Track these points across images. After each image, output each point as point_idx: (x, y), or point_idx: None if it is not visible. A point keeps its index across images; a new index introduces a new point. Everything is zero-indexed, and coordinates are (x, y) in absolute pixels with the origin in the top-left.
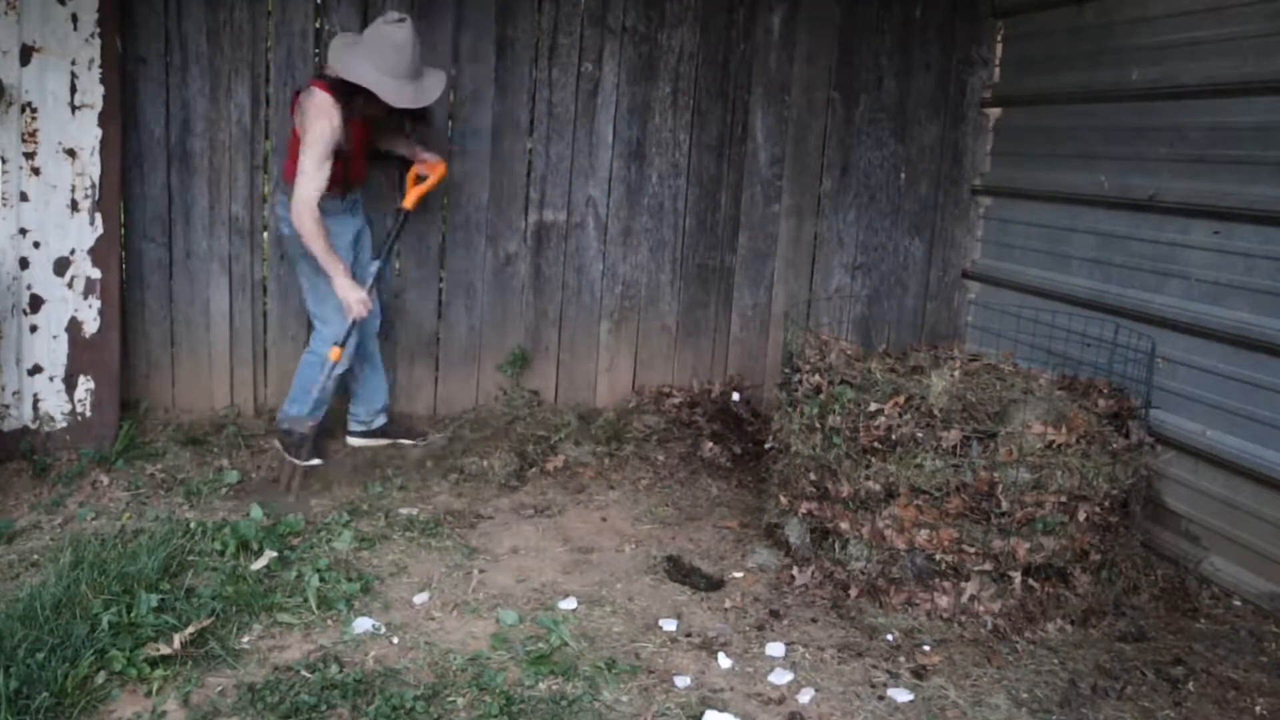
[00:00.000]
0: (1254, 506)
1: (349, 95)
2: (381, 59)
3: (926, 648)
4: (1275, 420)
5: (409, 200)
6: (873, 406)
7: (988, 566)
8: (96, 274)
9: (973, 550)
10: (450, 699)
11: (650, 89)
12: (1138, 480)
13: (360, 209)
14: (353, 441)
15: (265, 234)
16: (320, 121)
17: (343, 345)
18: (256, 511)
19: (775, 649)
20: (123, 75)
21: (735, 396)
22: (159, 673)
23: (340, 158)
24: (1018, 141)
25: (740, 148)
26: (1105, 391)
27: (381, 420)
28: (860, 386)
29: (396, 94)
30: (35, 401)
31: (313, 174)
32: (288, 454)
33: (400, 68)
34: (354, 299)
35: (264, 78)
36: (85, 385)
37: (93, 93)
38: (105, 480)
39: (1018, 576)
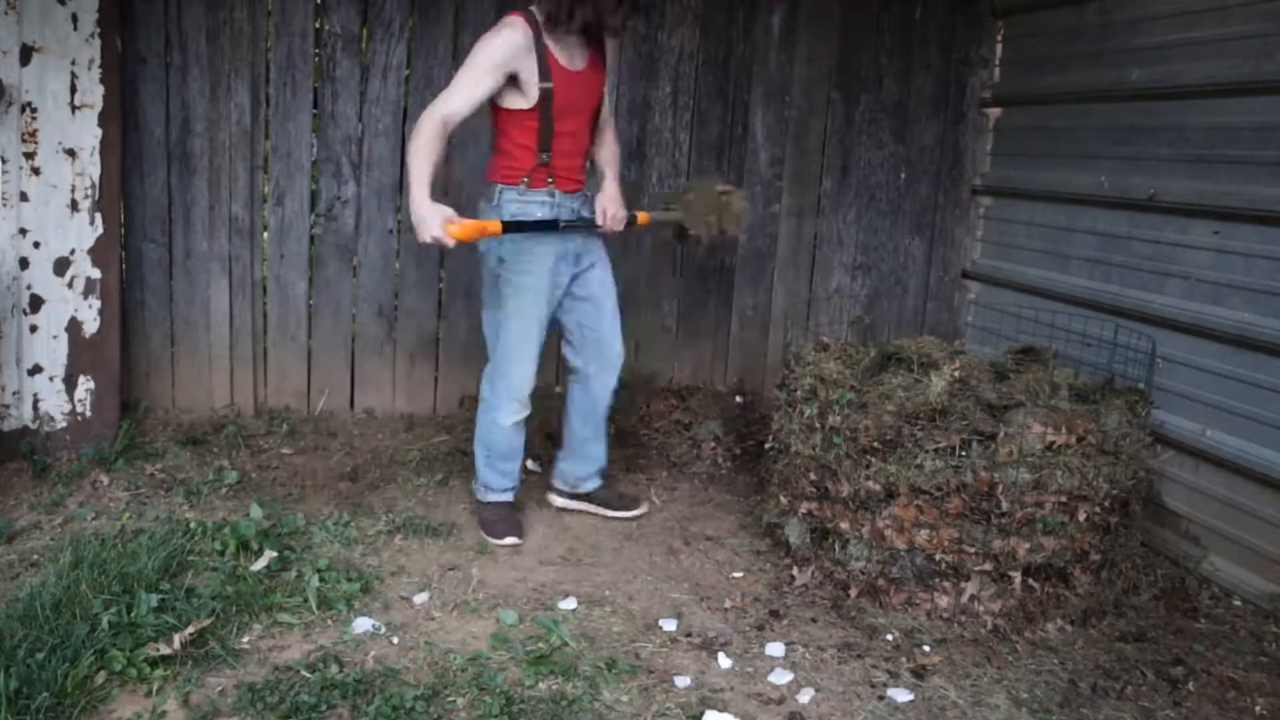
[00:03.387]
0: (1254, 506)
1: (557, 11)
2: None
3: (926, 648)
4: (1275, 420)
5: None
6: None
7: (988, 566)
8: (96, 274)
9: (973, 550)
10: (450, 699)
11: (650, 89)
12: (1138, 480)
13: (586, 229)
14: (554, 500)
15: (265, 234)
16: (492, 36)
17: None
18: (256, 511)
19: (775, 649)
20: (123, 75)
21: (737, 399)
22: (159, 673)
23: (540, 112)
24: (1018, 141)
25: (740, 148)
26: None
27: (593, 485)
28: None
29: None
30: (35, 401)
31: (457, 87)
32: (483, 532)
33: None
34: (427, 217)
35: (264, 78)
36: (85, 385)
37: (93, 93)
38: (105, 480)
39: (1018, 576)
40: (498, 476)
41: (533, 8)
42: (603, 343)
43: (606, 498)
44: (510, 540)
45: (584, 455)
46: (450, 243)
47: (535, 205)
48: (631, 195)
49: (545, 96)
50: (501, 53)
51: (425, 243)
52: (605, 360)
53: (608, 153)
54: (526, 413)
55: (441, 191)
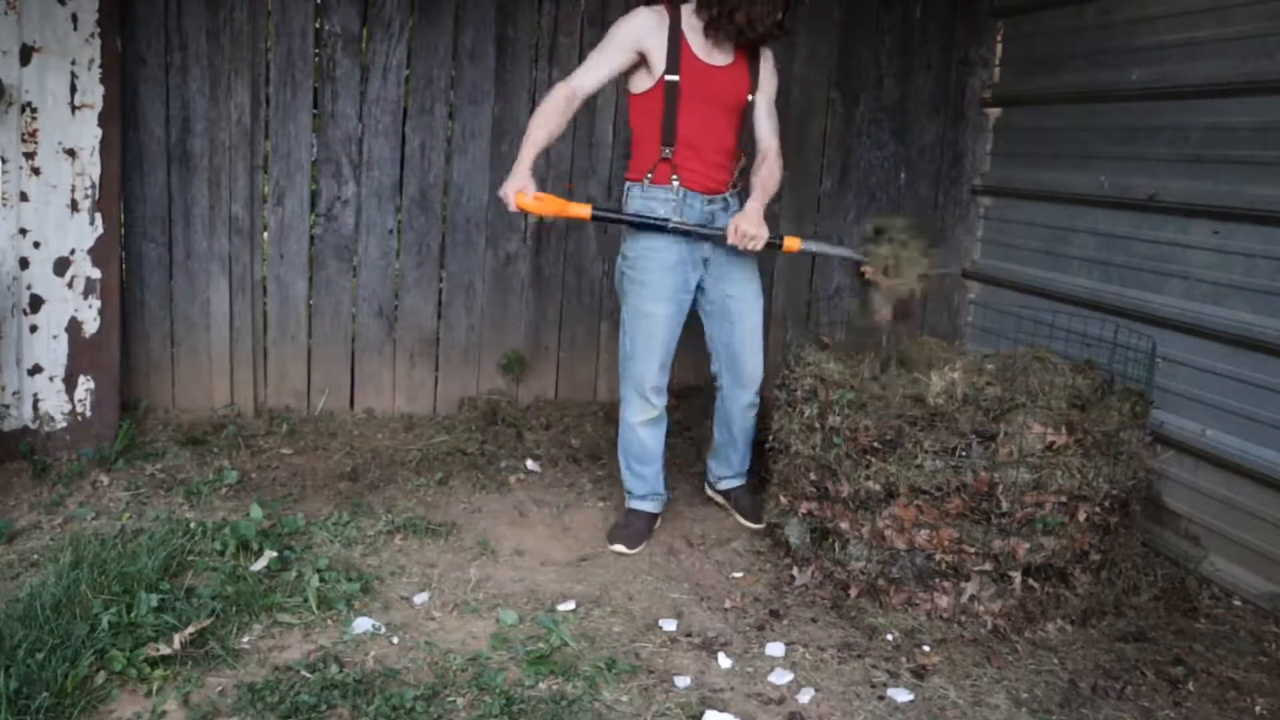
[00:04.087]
0: (1254, 506)
1: (713, 12)
2: None
3: (926, 648)
4: (1275, 420)
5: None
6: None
7: (988, 566)
8: (96, 274)
9: (973, 550)
10: (450, 699)
11: None
12: (1138, 481)
13: (719, 226)
14: (708, 492)
15: (265, 234)
16: (626, 16)
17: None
18: (256, 511)
19: (775, 649)
20: (123, 75)
21: None
22: (159, 673)
23: (664, 101)
24: (1018, 141)
25: None
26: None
27: (732, 484)
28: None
29: None
30: (35, 401)
31: (587, 63)
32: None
33: None
34: (510, 179)
35: (264, 78)
36: (85, 385)
37: (93, 93)
38: (105, 480)
39: (1018, 576)
40: (635, 480)
41: None
42: (735, 359)
43: (740, 502)
44: (618, 547)
45: (723, 458)
46: (513, 205)
47: (658, 202)
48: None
49: (671, 85)
50: (630, 32)
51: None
52: (736, 376)
53: (764, 173)
54: (655, 413)
55: (441, 191)
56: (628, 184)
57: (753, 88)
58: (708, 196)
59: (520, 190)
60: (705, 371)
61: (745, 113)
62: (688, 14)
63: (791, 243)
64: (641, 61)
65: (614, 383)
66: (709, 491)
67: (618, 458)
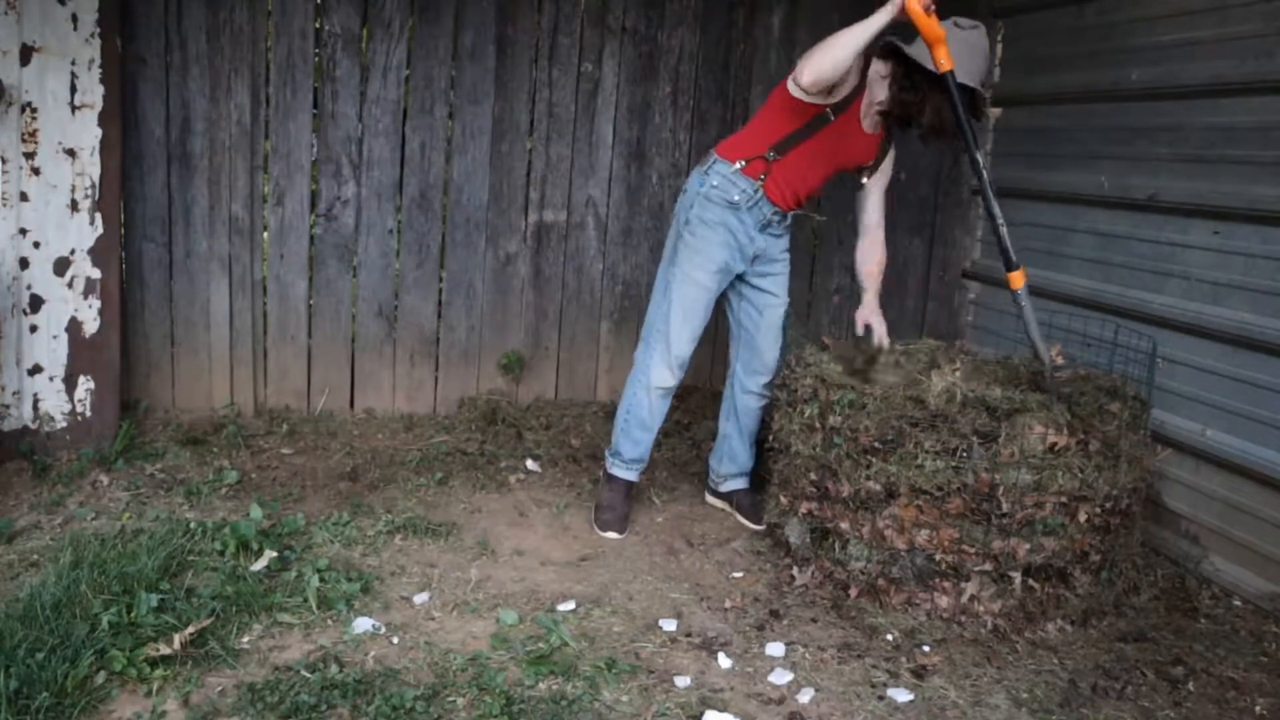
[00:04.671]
0: (1254, 506)
1: (900, 66)
2: (962, 59)
3: (926, 648)
4: (1275, 420)
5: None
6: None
7: (988, 567)
8: (96, 274)
9: (973, 550)
10: (450, 699)
11: (650, 89)
12: (1138, 481)
13: (787, 238)
14: (707, 497)
15: (265, 234)
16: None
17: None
18: (256, 511)
19: (775, 649)
20: (123, 75)
21: None
22: (159, 673)
23: (806, 120)
24: (1018, 141)
25: None
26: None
27: (736, 485)
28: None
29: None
30: (35, 401)
31: (829, 46)
32: (594, 513)
33: (975, 74)
34: None
35: (264, 78)
36: (85, 385)
37: (93, 93)
38: (105, 480)
39: (1018, 577)
40: (630, 444)
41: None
42: (755, 346)
43: (742, 502)
44: (611, 535)
45: (726, 452)
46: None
47: (735, 189)
48: (634, 195)
49: (820, 119)
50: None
51: None
52: (753, 363)
53: (873, 264)
54: (675, 384)
55: (441, 191)
56: (716, 157)
57: (874, 165)
58: (774, 207)
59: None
60: (708, 372)
61: (850, 173)
62: (879, 64)
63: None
64: (837, 83)
65: (615, 383)
66: (710, 499)
67: (617, 415)
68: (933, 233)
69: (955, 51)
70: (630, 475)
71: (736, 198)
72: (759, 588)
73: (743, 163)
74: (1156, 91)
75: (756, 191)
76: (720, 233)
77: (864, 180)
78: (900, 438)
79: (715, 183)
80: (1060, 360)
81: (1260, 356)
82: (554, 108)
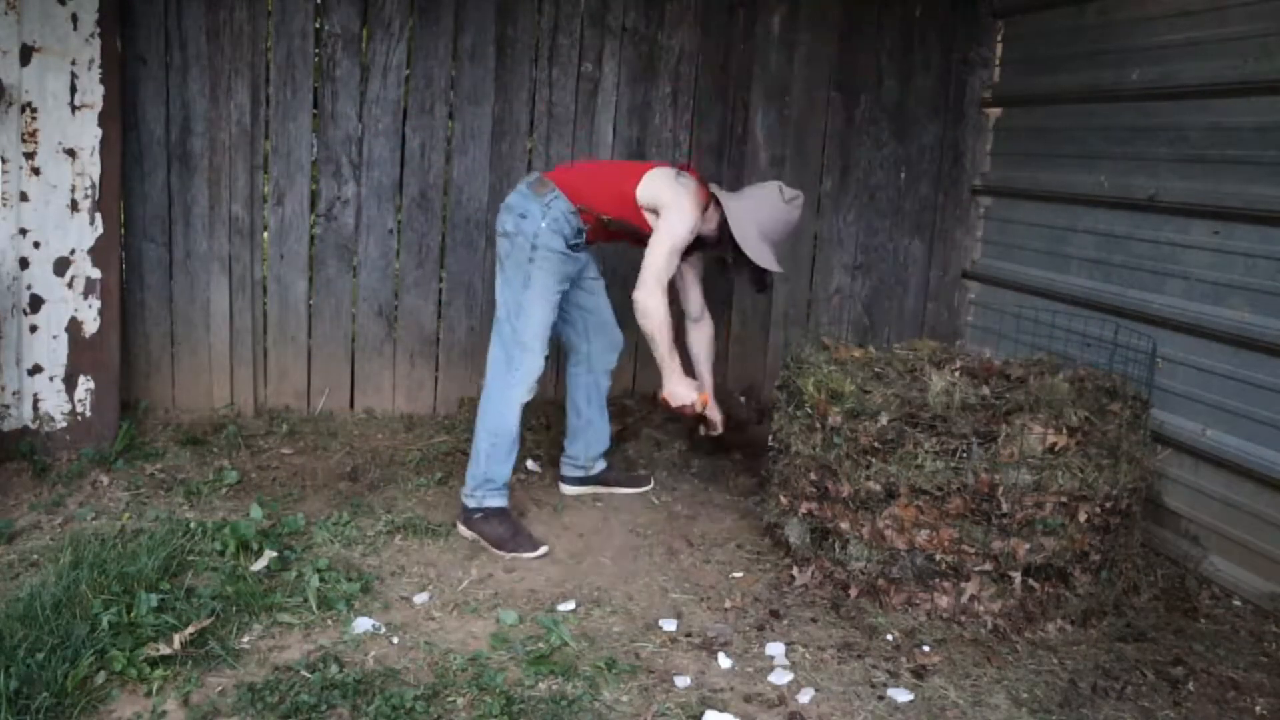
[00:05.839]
0: (1254, 506)
1: (714, 226)
2: (770, 225)
3: (926, 648)
4: (1275, 420)
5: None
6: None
7: (988, 567)
8: (96, 274)
9: (973, 550)
10: (450, 699)
11: (650, 89)
12: (1138, 482)
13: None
14: (566, 490)
15: (265, 234)
16: (688, 216)
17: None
18: (256, 511)
19: (775, 649)
20: (123, 75)
21: (741, 398)
22: (159, 673)
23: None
24: (1018, 141)
25: (740, 148)
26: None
27: (601, 466)
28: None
29: (760, 256)
30: (35, 401)
31: (664, 267)
32: (497, 548)
33: (775, 237)
34: (682, 394)
35: (264, 78)
36: (85, 385)
37: (93, 93)
38: (105, 480)
39: (1018, 577)
40: (502, 467)
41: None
42: (605, 325)
43: (618, 477)
44: (542, 550)
45: (592, 434)
46: (700, 407)
47: (570, 227)
48: None
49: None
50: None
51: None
52: (608, 339)
53: (703, 342)
54: (534, 395)
55: (441, 191)
56: (560, 194)
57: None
58: (590, 247)
59: (691, 399)
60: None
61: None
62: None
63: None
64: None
65: (615, 382)
66: (572, 490)
67: (478, 446)
68: (933, 233)
69: (759, 208)
70: (504, 500)
71: (567, 231)
72: (759, 588)
73: (580, 210)
74: (1156, 91)
75: (580, 234)
76: (561, 249)
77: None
78: (900, 438)
79: (556, 215)
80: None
81: (1260, 356)
82: (554, 108)
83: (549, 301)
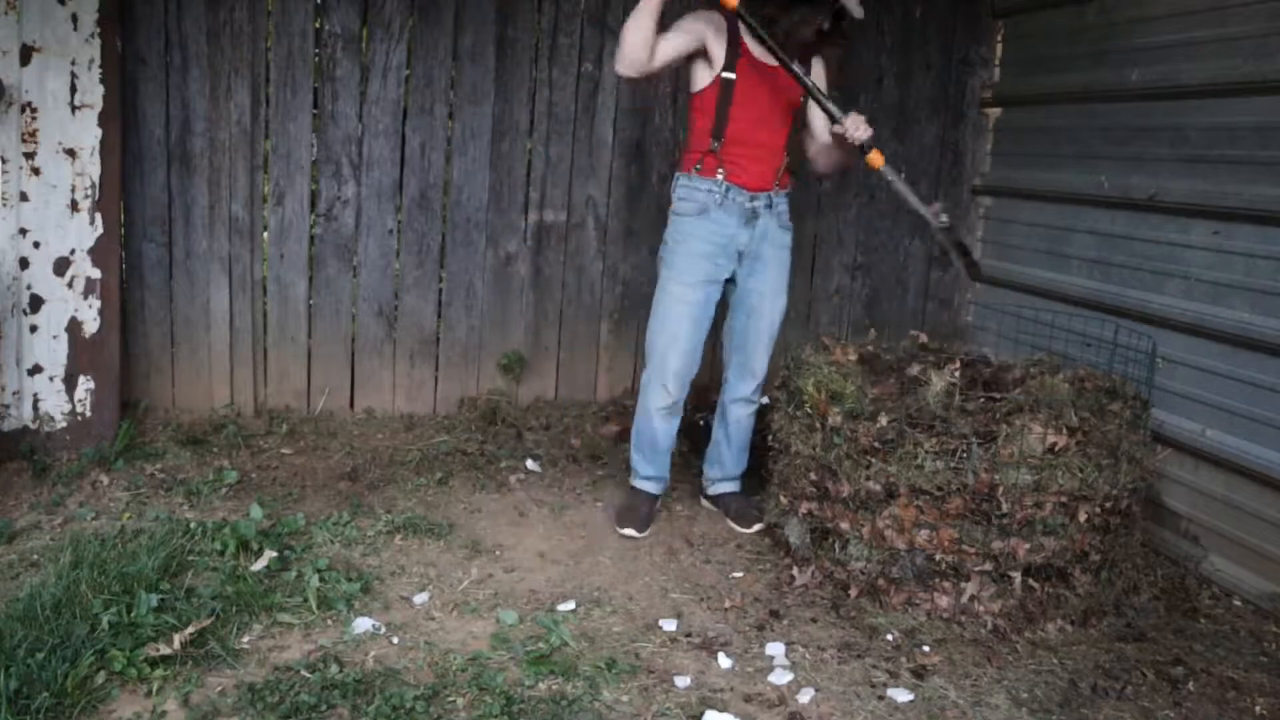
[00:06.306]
0: (1254, 506)
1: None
2: None
3: (926, 648)
4: (1275, 420)
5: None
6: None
7: (988, 567)
8: (96, 274)
9: (973, 550)
10: (450, 699)
11: (650, 89)
12: (1138, 482)
13: (787, 236)
14: (702, 500)
15: (265, 234)
16: (693, 13)
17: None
18: (256, 511)
19: (775, 649)
20: (123, 75)
21: None
22: (159, 673)
23: (718, 97)
24: (1018, 141)
25: None
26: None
27: (724, 488)
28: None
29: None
30: (35, 401)
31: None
32: (614, 514)
33: None
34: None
35: (264, 78)
36: (85, 385)
37: (93, 93)
38: (105, 480)
39: (1018, 577)
40: (643, 463)
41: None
42: (744, 351)
43: (730, 506)
44: (627, 531)
45: (714, 456)
46: None
47: (701, 192)
48: (634, 195)
49: (727, 83)
50: (696, 20)
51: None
52: (741, 369)
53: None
54: (672, 401)
55: (441, 191)
56: (676, 175)
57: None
58: (751, 193)
59: None
60: (714, 373)
61: (797, 115)
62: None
63: (876, 158)
64: (702, 54)
65: (614, 383)
66: (703, 500)
67: (631, 435)
68: (933, 233)
69: None
70: (649, 488)
71: (704, 200)
72: (759, 588)
73: (696, 167)
74: (1156, 91)
75: (721, 185)
76: (696, 244)
77: (802, 100)
78: (900, 438)
79: (680, 195)
80: (944, 219)
81: (1260, 356)
82: (554, 108)
83: (679, 301)
